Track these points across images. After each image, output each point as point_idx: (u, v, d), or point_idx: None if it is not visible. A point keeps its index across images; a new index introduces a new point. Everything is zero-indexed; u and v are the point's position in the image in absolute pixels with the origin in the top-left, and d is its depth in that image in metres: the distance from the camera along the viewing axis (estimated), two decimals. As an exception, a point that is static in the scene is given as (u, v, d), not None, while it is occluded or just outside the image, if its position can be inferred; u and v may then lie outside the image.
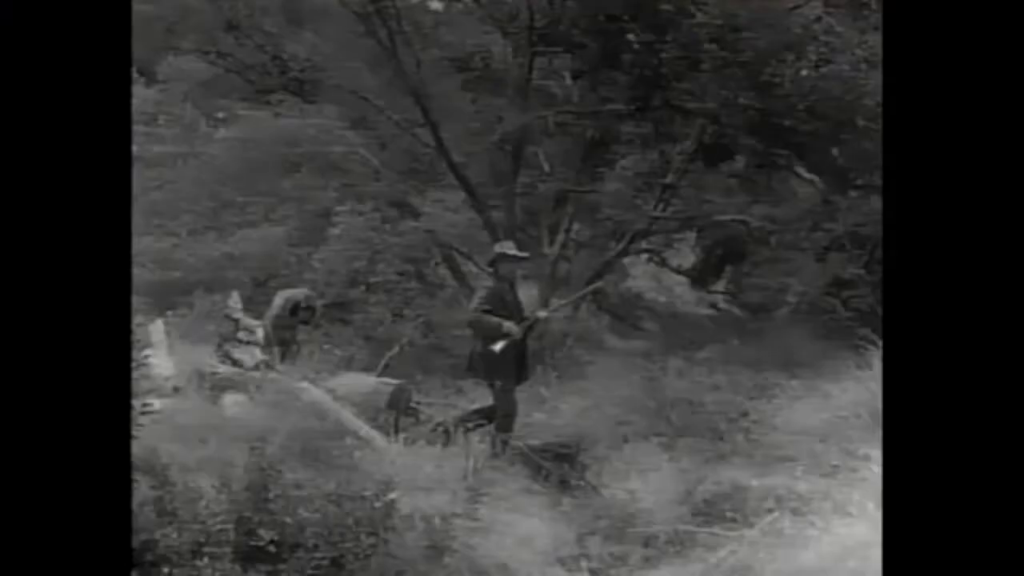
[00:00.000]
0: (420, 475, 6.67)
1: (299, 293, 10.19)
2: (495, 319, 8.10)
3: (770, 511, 6.61)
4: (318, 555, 5.08)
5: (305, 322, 9.92)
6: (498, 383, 8.07)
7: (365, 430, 7.84)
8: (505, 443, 7.72)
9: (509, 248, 8.54)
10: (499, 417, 7.96)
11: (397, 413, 8.41)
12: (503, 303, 8.22)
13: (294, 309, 9.84)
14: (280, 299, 9.99)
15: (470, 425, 8.00)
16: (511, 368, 8.12)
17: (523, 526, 6.31)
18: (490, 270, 8.44)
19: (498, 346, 7.99)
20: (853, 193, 11.57)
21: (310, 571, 5.05)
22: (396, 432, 7.96)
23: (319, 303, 10.48)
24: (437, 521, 5.61)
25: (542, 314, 8.62)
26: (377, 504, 5.44)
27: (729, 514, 6.82)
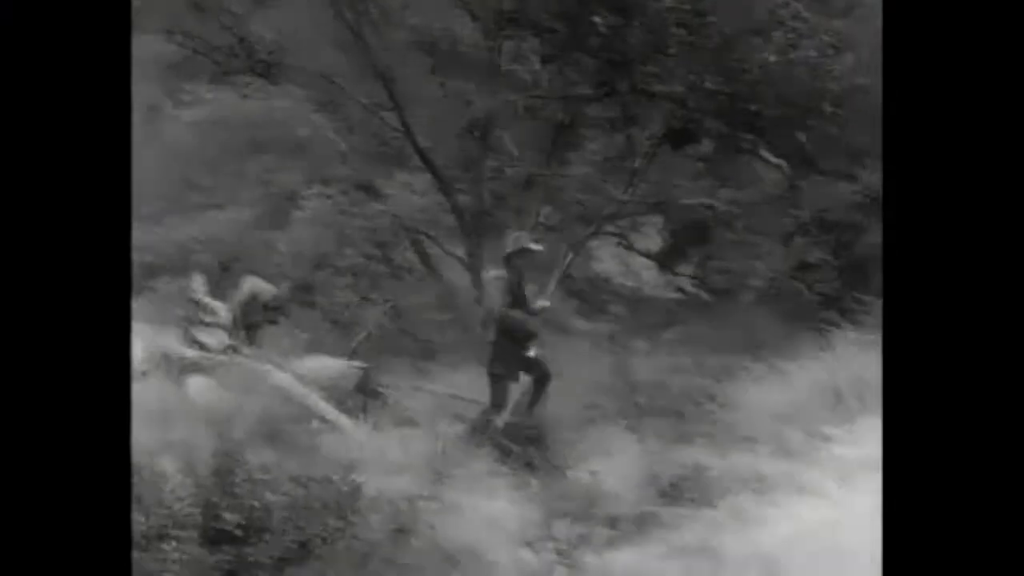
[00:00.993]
0: (387, 458, 6.68)
1: (266, 291, 10.05)
2: (520, 316, 8.14)
3: (733, 491, 6.68)
4: (284, 538, 5.10)
5: (274, 322, 9.87)
6: (505, 377, 8.10)
7: (332, 413, 7.84)
8: (484, 431, 7.78)
9: (527, 242, 8.50)
10: (491, 406, 8.00)
11: (364, 396, 8.42)
12: (514, 297, 8.25)
13: (265, 307, 9.79)
14: (248, 285, 9.94)
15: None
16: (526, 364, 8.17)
17: (490, 508, 6.34)
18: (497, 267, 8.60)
19: (533, 351, 8.11)
20: (819, 178, 11.65)
21: (276, 554, 5.06)
22: (363, 415, 7.97)
23: (285, 289, 10.43)
24: (403, 504, 5.64)
25: (545, 303, 8.56)
26: (344, 487, 5.46)
27: (693, 495, 6.88)
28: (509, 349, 8.11)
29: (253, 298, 9.75)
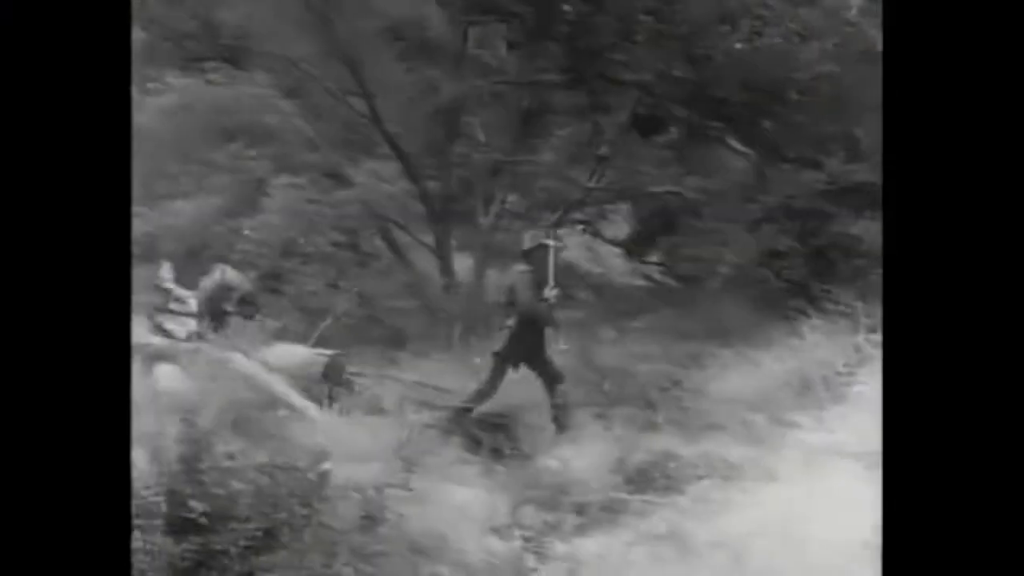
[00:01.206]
0: (354, 446, 6.67)
1: (239, 283, 9.94)
2: (547, 309, 8.26)
3: (701, 478, 6.72)
4: (251, 526, 5.07)
5: (249, 317, 9.80)
6: (507, 363, 8.18)
7: (299, 401, 7.82)
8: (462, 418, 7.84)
9: (551, 239, 8.67)
10: (479, 391, 8.10)
11: (331, 384, 8.40)
12: (536, 291, 8.34)
13: (241, 301, 9.71)
14: (218, 273, 9.87)
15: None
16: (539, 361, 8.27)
17: (457, 496, 6.35)
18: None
19: (563, 345, 8.35)
20: (786, 166, 11.70)
21: (243, 542, 5.04)
22: (331, 403, 7.95)
23: (254, 277, 10.37)
24: (371, 492, 5.63)
25: (552, 293, 8.51)
26: (311, 475, 5.44)
27: (660, 482, 6.92)
28: (527, 340, 8.22)
29: (223, 287, 9.69)
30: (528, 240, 8.70)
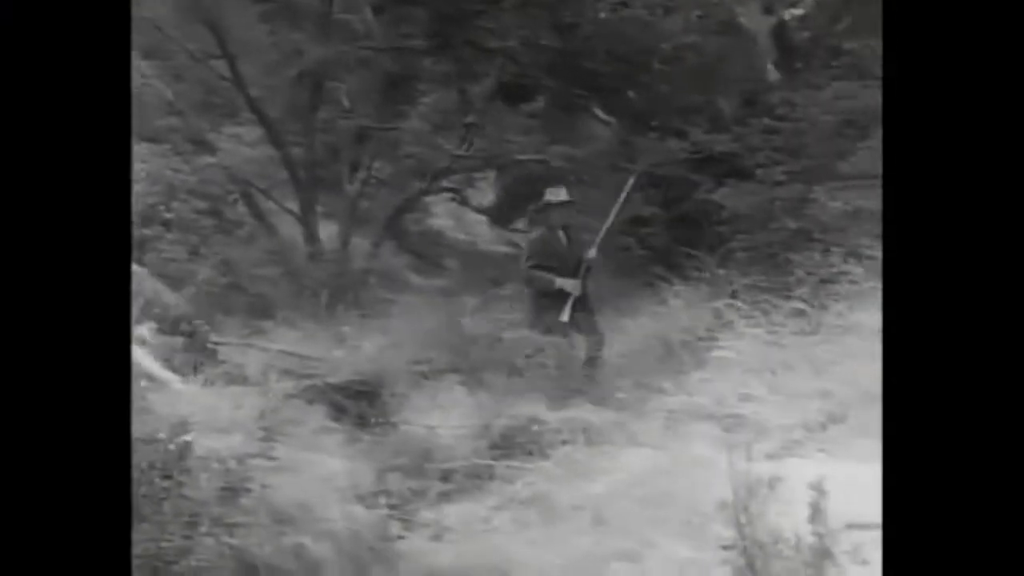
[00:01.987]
0: (217, 417, 6.56)
1: None
2: (547, 276, 8.02)
3: (565, 443, 6.80)
4: (109, 499, 4.95)
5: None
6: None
7: (160, 372, 7.64)
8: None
9: (557, 195, 8.34)
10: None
11: (194, 354, 8.23)
12: (554, 254, 8.13)
13: None
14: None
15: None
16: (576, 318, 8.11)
17: (322, 465, 6.29)
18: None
19: (565, 315, 8.04)
20: (651, 135, 11.86)
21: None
22: (193, 373, 7.79)
23: None
24: (233, 463, 5.54)
25: (592, 254, 8.32)
26: (171, 447, 5.32)
27: (526, 447, 6.98)
28: (543, 311, 8.15)
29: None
30: (545, 197, 8.46)
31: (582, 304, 8.31)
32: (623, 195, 8.83)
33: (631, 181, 9.18)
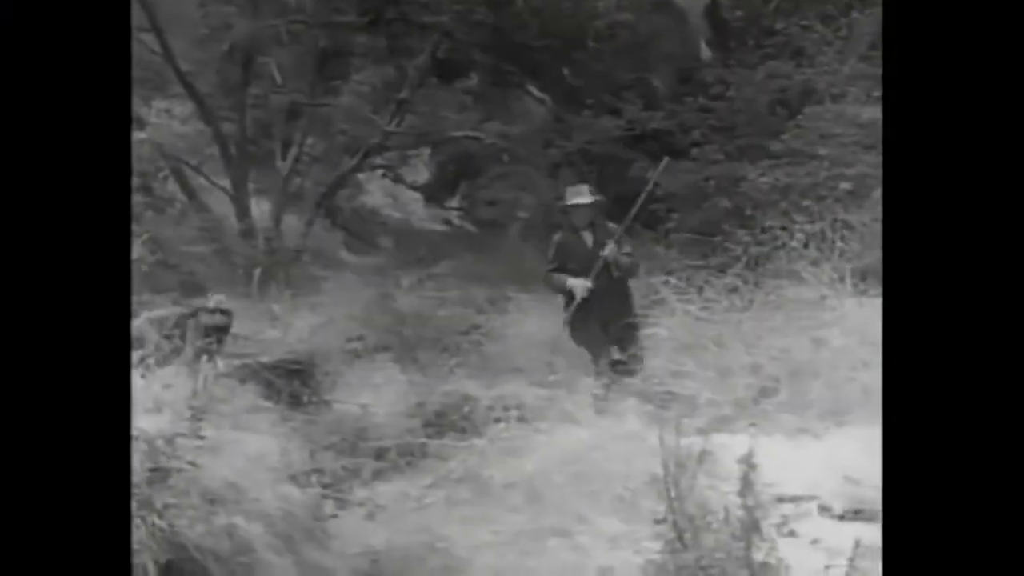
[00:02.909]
0: (146, 396, 6.46)
1: None
2: (561, 277, 7.69)
3: (498, 421, 6.81)
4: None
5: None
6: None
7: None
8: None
9: (579, 196, 7.93)
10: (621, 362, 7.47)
11: (122, 333, 8.10)
12: (575, 256, 7.77)
13: None
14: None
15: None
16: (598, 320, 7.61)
17: (253, 444, 6.22)
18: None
19: (567, 316, 7.68)
20: (585, 112, 11.87)
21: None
22: (121, 352, 7.67)
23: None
24: (161, 443, 5.46)
25: (607, 252, 7.70)
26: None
27: (459, 425, 6.98)
28: (579, 318, 7.69)
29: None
30: (567, 199, 8.03)
31: (603, 306, 7.73)
32: (649, 185, 8.30)
33: (662, 165, 8.60)
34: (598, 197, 8.07)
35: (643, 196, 8.14)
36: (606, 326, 7.69)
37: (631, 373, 7.28)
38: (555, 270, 7.83)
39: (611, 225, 7.98)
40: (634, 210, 8.01)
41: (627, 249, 7.88)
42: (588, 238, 7.84)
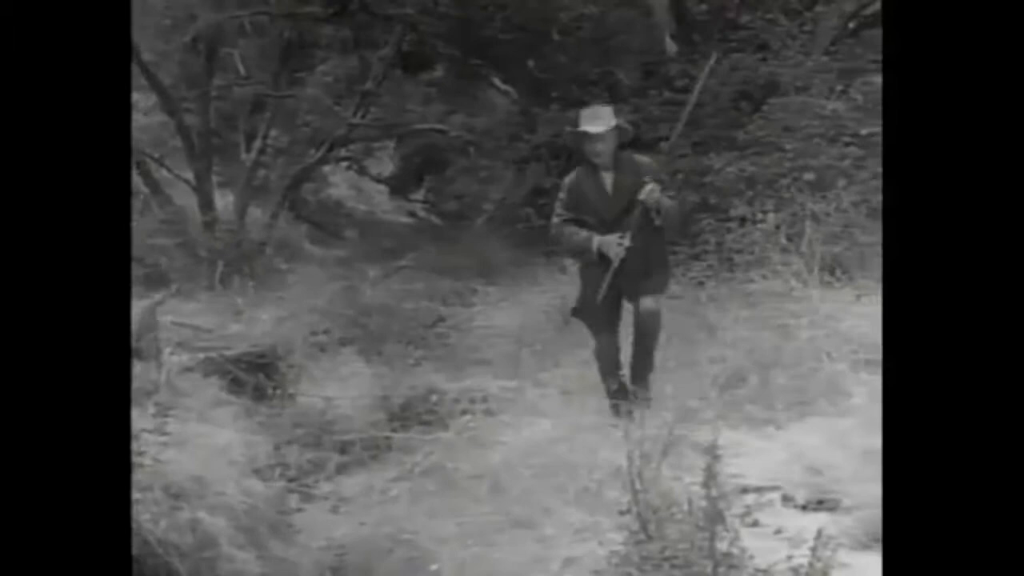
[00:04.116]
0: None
1: None
2: (582, 233, 5.95)
3: (464, 413, 6.81)
4: (-5, 477, 4.82)
5: None
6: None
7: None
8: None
9: (597, 119, 6.14)
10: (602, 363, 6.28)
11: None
12: (587, 200, 6.09)
13: None
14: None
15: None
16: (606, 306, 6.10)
17: (217, 438, 6.20)
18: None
19: (601, 294, 6.02)
20: (553, 106, 11.86)
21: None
22: (83, 346, 7.60)
23: None
24: (124, 436, 5.43)
25: (645, 194, 5.99)
26: (60, 422, 5.20)
27: (424, 418, 6.97)
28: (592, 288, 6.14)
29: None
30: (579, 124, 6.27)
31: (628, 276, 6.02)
32: (700, 81, 6.72)
33: (711, 63, 7.03)
34: (622, 123, 6.27)
35: (693, 96, 6.73)
36: (630, 298, 6.09)
37: (645, 403, 5.84)
38: (569, 221, 6.11)
39: (641, 159, 6.19)
40: (680, 125, 6.56)
41: (670, 191, 6.23)
42: (608, 180, 6.10)
